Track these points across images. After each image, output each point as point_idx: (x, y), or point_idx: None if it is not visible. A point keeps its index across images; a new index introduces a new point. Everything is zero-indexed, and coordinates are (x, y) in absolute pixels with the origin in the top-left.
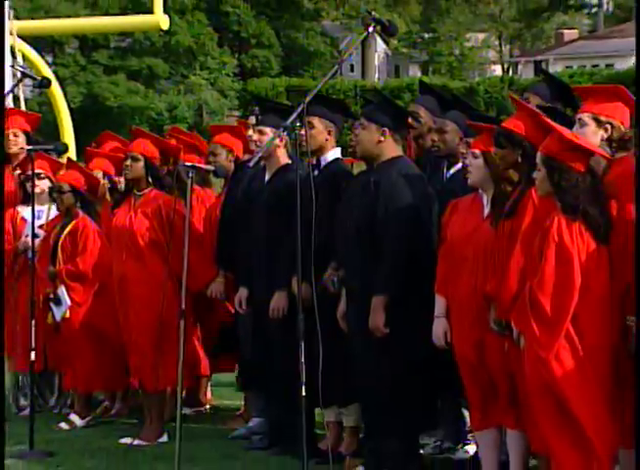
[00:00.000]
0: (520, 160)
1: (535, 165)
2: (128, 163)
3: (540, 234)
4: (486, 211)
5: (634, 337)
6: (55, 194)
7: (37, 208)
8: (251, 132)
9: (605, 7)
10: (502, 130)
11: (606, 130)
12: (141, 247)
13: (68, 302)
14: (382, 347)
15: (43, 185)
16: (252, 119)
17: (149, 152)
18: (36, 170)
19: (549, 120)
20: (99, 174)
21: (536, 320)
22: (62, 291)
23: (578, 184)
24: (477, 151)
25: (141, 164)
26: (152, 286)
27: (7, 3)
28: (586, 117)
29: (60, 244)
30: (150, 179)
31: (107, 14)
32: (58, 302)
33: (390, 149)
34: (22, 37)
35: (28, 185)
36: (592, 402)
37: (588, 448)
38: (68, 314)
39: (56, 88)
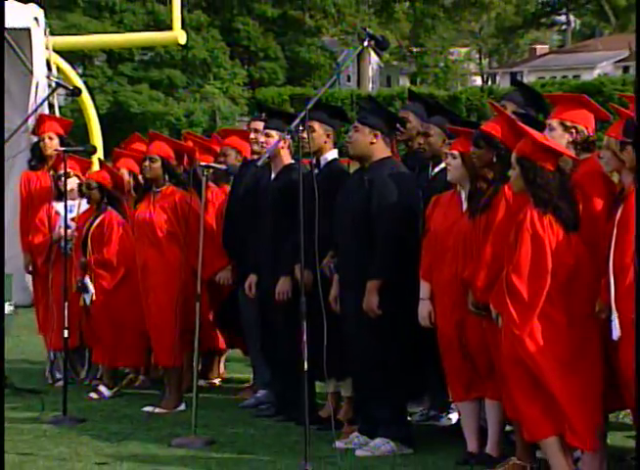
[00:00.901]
0: (495, 159)
1: (509, 165)
2: (147, 163)
3: (515, 226)
4: (464, 205)
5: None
6: (84, 190)
7: (69, 203)
8: (253, 135)
9: (572, 25)
10: (481, 133)
11: (571, 134)
12: (159, 237)
13: (92, 289)
14: (374, 326)
15: (72, 182)
16: (258, 124)
17: (165, 153)
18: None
19: (523, 125)
20: (125, 172)
21: (512, 302)
22: (87, 280)
23: (549, 181)
24: (455, 152)
25: (158, 163)
26: (169, 272)
27: (43, 21)
28: (554, 122)
29: (90, 235)
30: (167, 177)
31: (131, 30)
32: (84, 289)
33: (381, 150)
34: (57, 51)
35: (60, 183)
36: (562, 375)
37: (559, 414)
38: (94, 298)
39: (86, 97)
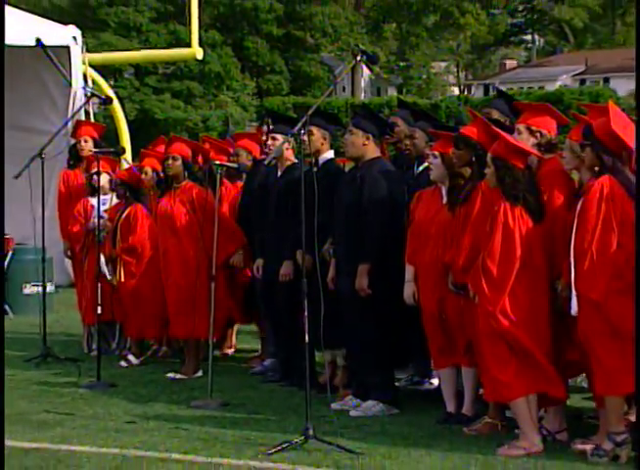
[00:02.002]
0: (473, 159)
1: (485, 164)
2: (169, 162)
3: (490, 217)
4: (444, 199)
5: (560, 297)
6: (115, 186)
7: (102, 197)
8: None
9: (537, 43)
10: (461, 136)
11: (536, 137)
12: (179, 227)
13: (107, 272)
14: (365, 304)
15: (104, 179)
16: (265, 128)
17: (184, 153)
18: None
19: (497, 129)
20: (149, 170)
21: (487, 283)
22: (102, 260)
23: (519, 178)
24: (436, 152)
25: (179, 162)
26: (187, 257)
27: (80, 39)
28: (522, 126)
29: (119, 225)
30: (185, 174)
31: (155, 47)
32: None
33: (372, 150)
34: (92, 66)
35: (94, 180)
36: (531, 342)
37: (537, 372)
38: (123, 279)
39: (116, 105)
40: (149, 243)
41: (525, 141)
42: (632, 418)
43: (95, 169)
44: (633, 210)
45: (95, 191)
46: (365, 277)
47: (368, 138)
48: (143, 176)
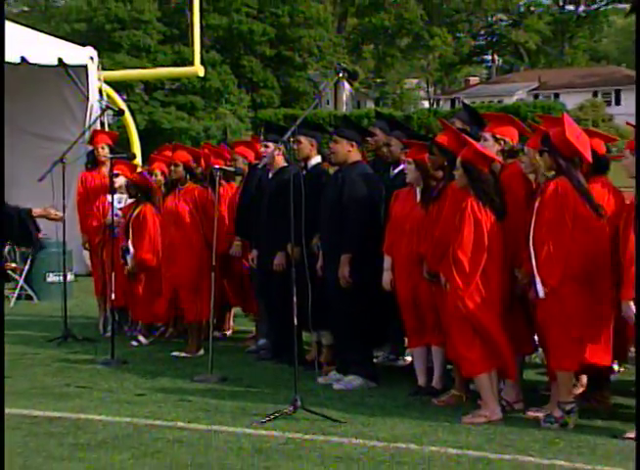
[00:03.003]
0: (446, 164)
1: (455, 167)
2: (172, 168)
3: (459, 213)
4: (418, 198)
5: (521, 284)
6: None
7: (117, 196)
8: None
9: (496, 62)
10: (434, 143)
11: (500, 144)
12: (183, 223)
13: (132, 250)
14: (347, 290)
15: (121, 181)
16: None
17: (185, 158)
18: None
19: (466, 136)
20: (158, 173)
21: (457, 271)
22: (129, 244)
23: (485, 180)
24: (410, 159)
25: (181, 167)
26: (190, 249)
27: (96, 59)
28: (488, 134)
29: (131, 221)
30: (188, 177)
31: (162, 66)
32: (127, 251)
33: (354, 156)
34: (106, 82)
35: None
36: (494, 323)
37: (495, 352)
38: (131, 267)
39: (128, 116)
40: (157, 236)
41: (491, 147)
42: (579, 391)
43: (115, 171)
44: (584, 208)
45: (112, 190)
46: (347, 266)
47: (352, 145)
48: (153, 178)
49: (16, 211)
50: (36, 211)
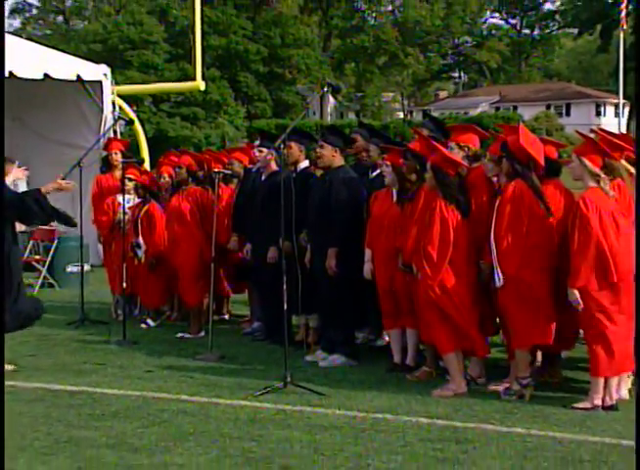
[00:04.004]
0: (418, 167)
1: (426, 171)
2: (177, 171)
3: (429, 212)
4: (395, 199)
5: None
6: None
7: (127, 196)
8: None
9: (462, 79)
10: (408, 149)
11: (464, 151)
12: (186, 220)
13: (144, 246)
14: (333, 279)
15: (130, 184)
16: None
17: (188, 163)
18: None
19: (435, 144)
20: (166, 176)
21: (427, 263)
22: (140, 240)
23: (452, 182)
24: (388, 163)
25: (184, 171)
26: (192, 243)
27: (110, 75)
28: (452, 144)
29: (140, 218)
30: (190, 179)
31: (168, 81)
32: (138, 246)
33: (338, 160)
34: (119, 95)
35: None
36: (461, 309)
37: (461, 334)
38: (143, 260)
39: (138, 125)
40: (163, 232)
41: (457, 154)
42: (535, 367)
43: (128, 175)
44: (538, 208)
45: (123, 191)
46: (333, 259)
47: (336, 151)
48: (161, 181)
49: (24, 195)
50: (47, 187)
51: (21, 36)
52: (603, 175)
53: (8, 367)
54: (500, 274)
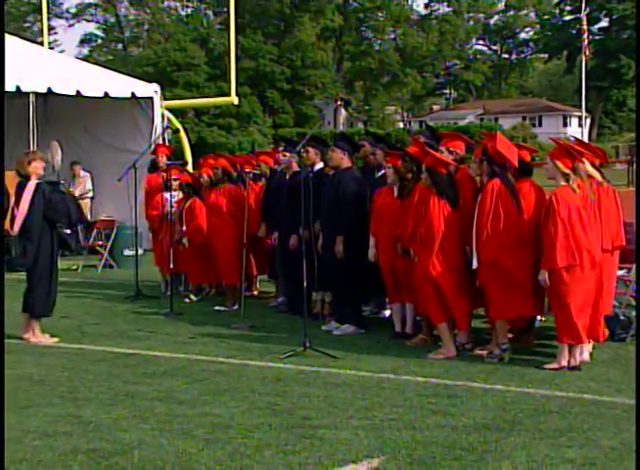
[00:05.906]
0: (415, 168)
1: (422, 171)
2: (214, 171)
3: (424, 206)
4: (396, 194)
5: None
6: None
7: (173, 193)
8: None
9: (452, 95)
10: (407, 153)
11: (452, 154)
12: (222, 212)
13: (186, 242)
14: (342, 262)
15: (175, 182)
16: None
17: (224, 164)
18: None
19: (429, 148)
20: (205, 176)
21: (422, 246)
22: (184, 229)
23: (443, 180)
24: (390, 165)
25: (220, 171)
26: (228, 232)
27: (159, 92)
28: (442, 148)
29: (184, 212)
30: (225, 178)
31: (207, 97)
32: (179, 242)
33: (346, 162)
34: (167, 109)
35: (169, 181)
36: (452, 286)
37: (449, 309)
38: (187, 245)
39: (182, 134)
40: (204, 224)
41: (446, 157)
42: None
43: (175, 176)
44: (512, 205)
45: (169, 188)
46: (340, 244)
47: (345, 154)
48: (201, 180)
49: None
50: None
51: (88, 61)
52: (572, 175)
53: (52, 339)
54: (475, 259)
